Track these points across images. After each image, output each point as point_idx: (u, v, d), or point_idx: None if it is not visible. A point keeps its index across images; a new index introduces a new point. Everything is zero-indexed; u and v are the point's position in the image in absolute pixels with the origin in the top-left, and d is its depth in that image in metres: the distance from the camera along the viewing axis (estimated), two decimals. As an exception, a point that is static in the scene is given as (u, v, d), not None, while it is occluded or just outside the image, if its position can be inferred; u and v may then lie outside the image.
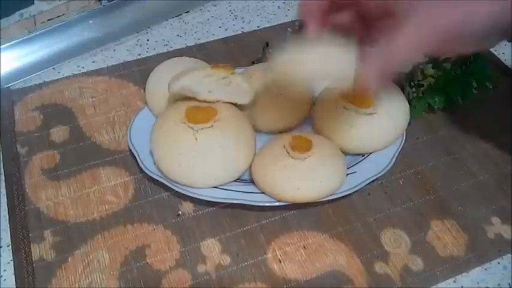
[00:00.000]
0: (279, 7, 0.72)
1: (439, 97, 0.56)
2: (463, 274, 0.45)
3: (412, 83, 0.55)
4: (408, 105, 0.52)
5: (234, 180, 0.49)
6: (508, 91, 0.60)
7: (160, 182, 0.48)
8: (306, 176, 0.46)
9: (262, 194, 0.47)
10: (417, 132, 0.55)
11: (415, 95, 0.56)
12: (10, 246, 0.46)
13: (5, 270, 0.45)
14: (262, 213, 0.48)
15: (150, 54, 0.64)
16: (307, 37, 0.43)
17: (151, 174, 0.48)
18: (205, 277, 0.44)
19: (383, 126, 0.50)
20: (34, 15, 0.63)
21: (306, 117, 0.54)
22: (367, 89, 0.43)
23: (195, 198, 0.47)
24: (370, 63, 0.40)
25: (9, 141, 0.54)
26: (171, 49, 0.65)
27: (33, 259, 0.45)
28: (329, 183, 0.46)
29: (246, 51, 0.64)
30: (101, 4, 0.67)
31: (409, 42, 0.38)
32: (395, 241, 0.47)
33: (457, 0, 0.37)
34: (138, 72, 0.61)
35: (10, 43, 0.62)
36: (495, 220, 0.48)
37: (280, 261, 0.45)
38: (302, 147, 0.47)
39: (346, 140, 0.50)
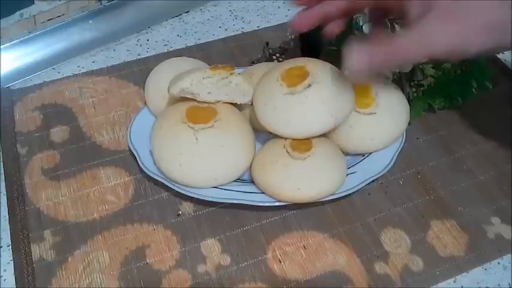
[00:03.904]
0: (279, 7, 0.72)
1: (439, 97, 0.56)
2: (463, 274, 0.45)
3: (412, 83, 0.55)
4: (408, 105, 0.52)
5: (234, 180, 0.49)
6: (508, 91, 0.60)
7: (160, 182, 0.48)
8: (306, 176, 0.46)
9: (262, 194, 0.47)
10: (417, 132, 0.55)
11: (415, 95, 0.55)
12: (10, 246, 0.46)
13: (5, 270, 0.45)
14: (262, 213, 0.48)
15: (150, 54, 0.64)
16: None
17: (151, 174, 0.48)
18: (205, 277, 0.44)
19: (383, 126, 0.50)
20: (34, 15, 0.63)
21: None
22: (354, 79, 0.42)
23: (195, 198, 0.47)
24: (362, 51, 0.39)
25: (9, 141, 0.54)
26: (171, 49, 0.65)
27: (33, 259, 0.45)
28: (329, 183, 0.46)
29: (246, 51, 0.64)
30: (101, 4, 0.67)
31: (412, 46, 0.37)
32: (395, 241, 0.47)
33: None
34: (138, 72, 0.61)
35: (10, 43, 0.62)
36: (495, 220, 0.48)
37: (280, 261, 0.45)
38: (302, 147, 0.47)
39: (346, 140, 0.50)
